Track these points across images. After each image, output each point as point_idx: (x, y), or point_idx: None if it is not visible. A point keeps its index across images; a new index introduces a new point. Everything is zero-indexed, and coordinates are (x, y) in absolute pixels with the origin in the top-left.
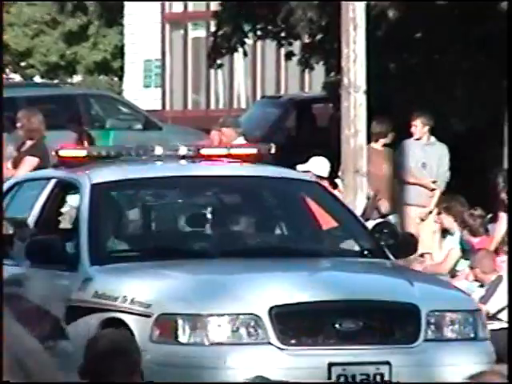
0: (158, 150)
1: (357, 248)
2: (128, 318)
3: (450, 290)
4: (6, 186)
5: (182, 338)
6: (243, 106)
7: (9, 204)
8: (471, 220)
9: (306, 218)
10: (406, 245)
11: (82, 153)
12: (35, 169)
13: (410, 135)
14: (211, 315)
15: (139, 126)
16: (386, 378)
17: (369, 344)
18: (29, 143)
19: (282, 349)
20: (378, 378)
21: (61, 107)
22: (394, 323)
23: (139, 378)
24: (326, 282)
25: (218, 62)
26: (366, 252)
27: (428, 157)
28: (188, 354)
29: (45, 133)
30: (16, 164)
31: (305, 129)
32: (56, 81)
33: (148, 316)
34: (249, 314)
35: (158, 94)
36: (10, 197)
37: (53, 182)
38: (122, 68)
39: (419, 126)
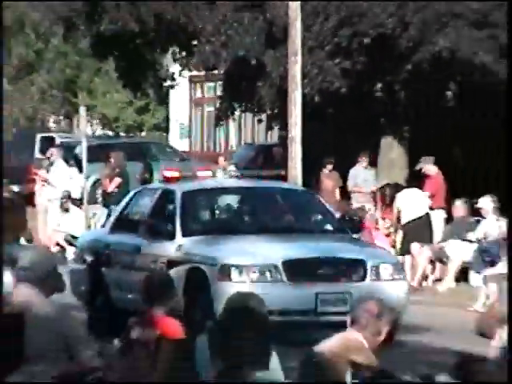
0: (219, 174)
1: (331, 228)
2: (203, 267)
3: (382, 250)
4: (132, 192)
5: (234, 278)
6: (234, 148)
7: (134, 203)
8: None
9: (302, 211)
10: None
11: (176, 174)
12: (119, 185)
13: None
14: (249, 265)
15: (177, 159)
16: (349, 300)
17: (339, 282)
18: (117, 169)
19: (289, 284)
20: (345, 300)
21: (135, 149)
22: (352, 270)
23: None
24: (314, 247)
25: (220, 123)
26: (336, 230)
27: (367, 176)
28: (237, 288)
29: (126, 163)
30: (110, 181)
31: (267, 161)
32: (131, 134)
33: (215, 265)
34: (271, 264)
35: (187, 142)
36: (135, 198)
37: (160, 190)
38: (167, 127)
39: (365, 160)
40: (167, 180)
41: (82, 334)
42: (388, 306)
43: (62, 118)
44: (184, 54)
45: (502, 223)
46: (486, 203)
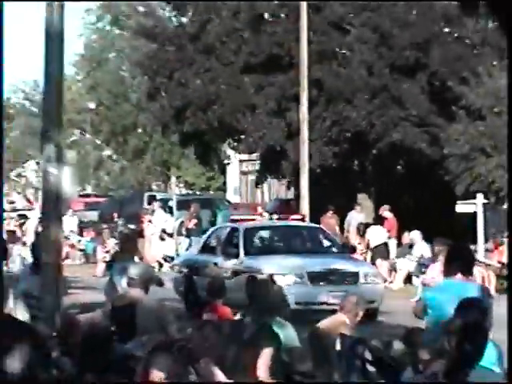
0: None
1: (336, 250)
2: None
3: (369, 264)
4: (212, 228)
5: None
6: (266, 201)
7: (213, 235)
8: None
9: (316, 240)
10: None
11: (240, 217)
12: (196, 224)
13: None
14: (287, 273)
15: (231, 208)
16: None
17: (342, 284)
18: (194, 214)
19: (311, 286)
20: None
21: (205, 202)
22: (349, 278)
23: None
24: (326, 262)
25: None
26: (339, 252)
27: (359, 218)
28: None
29: (200, 211)
30: (190, 221)
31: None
32: (203, 193)
33: (263, 274)
34: (299, 273)
35: (238, 197)
36: (214, 232)
37: (230, 227)
38: (225, 189)
39: (358, 208)
40: (235, 221)
41: (171, 317)
42: (371, 299)
43: (160, 183)
44: (235, 144)
45: (428, 247)
46: (416, 235)
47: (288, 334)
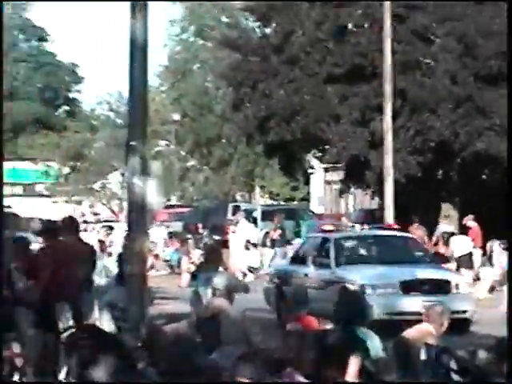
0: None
1: (428, 260)
2: (348, 286)
3: (459, 274)
4: (302, 240)
5: (368, 292)
6: (351, 211)
7: (303, 246)
8: None
9: (408, 249)
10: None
11: (330, 228)
12: (280, 235)
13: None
14: (377, 284)
15: (315, 219)
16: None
17: (435, 294)
18: (278, 225)
19: (404, 296)
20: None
21: (289, 212)
22: (441, 288)
23: None
24: (418, 272)
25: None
26: (431, 261)
27: (448, 229)
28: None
29: (283, 221)
30: (274, 232)
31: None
32: (284, 203)
33: (355, 284)
34: (391, 283)
35: (322, 208)
36: (304, 243)
37: (320, 238)
38: (309, 199)
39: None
40: (324, 231)
41: (256, 328)
42: (463, 308)
43: (244, 193)
44: (320, 154)
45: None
46: (495, 245)
47: (373, 343)
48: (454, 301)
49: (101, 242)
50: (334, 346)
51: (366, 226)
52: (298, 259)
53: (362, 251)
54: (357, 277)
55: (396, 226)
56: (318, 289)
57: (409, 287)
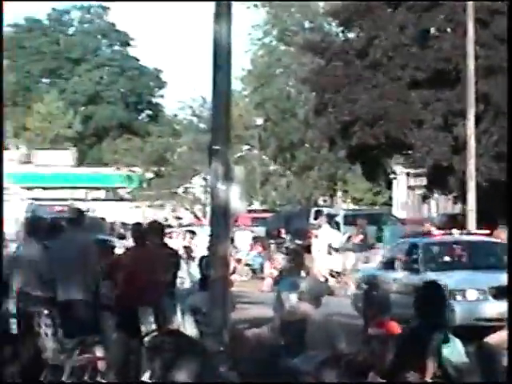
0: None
1: None
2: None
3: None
4: (394, 244)
5: (457, 298)
6: (434, 216)
7: (394, 250)
8: None
9: (499, 255)
10: None
11: (428, 230)
12: (362, 239)
13: None
14: (467, 289)
15: (397, 224)
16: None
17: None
18: (360, 230)
19: (493, 301)
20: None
21: (371, 217)
22: None
23: None
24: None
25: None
26: None
27: None
28: (460, 304)
29: (366, 226)
30: (357, 236)
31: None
32: (366, 207)
33: (445, 290)
34: (482, 289)
35: (405, 213)
36: (395, 247)
37: (409, 242)
38: (391, 204)
39: None
40: (424, 235)
41: (340, 332)
42: None
43: (327, 198)
44: (402, 159)
45: None
46: None
47: (455, 349)
48: None
49: (186, 247)
50: (416, 350)
51: (454, 231)
52: (388, 264)
53: (452, 256)
54: (446, 281)
55: (485, 232)
56: (406, 294)
57: (499, 293)
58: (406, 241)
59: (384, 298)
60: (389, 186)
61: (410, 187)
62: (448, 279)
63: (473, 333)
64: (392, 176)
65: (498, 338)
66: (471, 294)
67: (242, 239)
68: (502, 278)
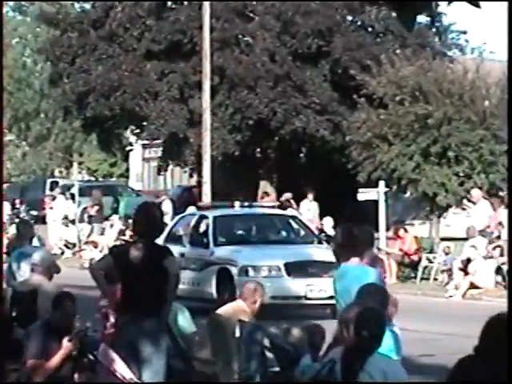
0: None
1: (314, 240)
2: (229, 267)
3: None
4: (177, 217)
5: (251, 275)
6: (169, 188)
7: (179, 223)
8: None
9: (292, 229)
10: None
11: (207, 204)
12: (97, 211)
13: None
14: (260, 265)
15: (134, 195)
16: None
17: (321, 277)
18: (96, 201)
19: (288, 279)
20: (325, 290)
21: (107, 189)
22: (329, 271)
23: None
24: (304, 253)
25: (161, 173)
26: (317, 242)
27: (312, 206)
28: (251, 277)
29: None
30: (92, 208)
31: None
32: (102, 179)
33: (237, 266)
34: (275, 265)
35: (141, 184)
36: (180, 220)
37: (198, 215)
38: (128, 175)
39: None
40: (200, 208)
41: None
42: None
43: (63, 169)
44: (138, 130)
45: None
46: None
47: (184, 318)
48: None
49: None
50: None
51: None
52: (173, 238)
53: (244, 230)
54: (238, 257)
55: (272, 204)
56: (196, 270)
57: (294, 269)
58: (194, 213)
59: None
60: (125, 157)
61: (145, 159)
62: (239, 255)
63: (269, 312)
64: (128, 148)
65: (228, 309)
66: (265, 271)
67: None
68: (296, 254)
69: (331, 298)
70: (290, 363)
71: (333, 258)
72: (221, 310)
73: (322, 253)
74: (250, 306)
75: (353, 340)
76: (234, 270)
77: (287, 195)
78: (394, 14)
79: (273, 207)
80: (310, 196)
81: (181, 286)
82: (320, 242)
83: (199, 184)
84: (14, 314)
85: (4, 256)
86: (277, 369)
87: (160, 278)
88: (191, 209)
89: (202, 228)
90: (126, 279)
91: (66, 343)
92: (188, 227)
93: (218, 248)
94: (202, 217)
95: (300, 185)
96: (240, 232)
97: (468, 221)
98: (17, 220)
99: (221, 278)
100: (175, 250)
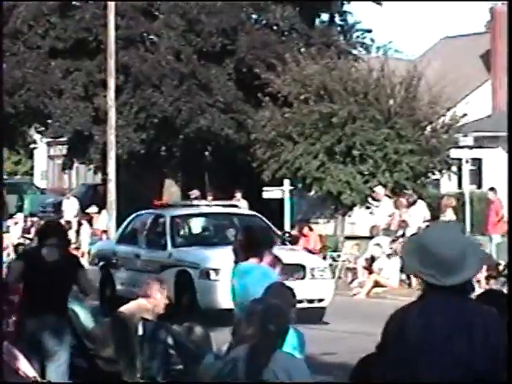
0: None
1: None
2: (188, 270)
3: (316, 258)
4: (132, 215)
5: (212, 278)
6: (74, 186)
7: (134, 223)
8: None
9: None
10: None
11: (164, 204)
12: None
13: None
14: (222, 268)
15: (39, 193)
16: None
17: (287, 280)
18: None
19: None
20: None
21: (12, 186)
22: (296, 273)
23: None
24: None
25: (66, 171)
26: (281, 243)
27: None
28: (214, 284)
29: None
30: None
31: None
32: (6, 177)
33: (197, 268)
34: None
35: (45, 182)
36: (135, 219)
37: (154, 214)
38: (33, 173)
39: (239, 195)
40: (156, 206)
41: None
42: (319, 297)
43: None
44: (42, 128)
45: None
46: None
47: (83, 315)
48: (309, 288)
49: None
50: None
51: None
52: (127, 238)
53: (203, 231)
54: (198, 259)
55: (232, 202)
56: (153, 272)
57: None
58: (149, 212)
59: None
60: (30, 155)
61: (50, 156)
62: (198, 257)
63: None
64: (33, 145)
65: (132, 307)
66: (227, 274)
67: None
68: None
69: None
70: (192, 361)
71: (296, 260)
72: (123, 308)
73: (285, 254)
74: (152, 304)
75: (257, 336)
76: (195, 273)
77: (195, 192)
78: (298, 13)
79: (233, 206)
80: (238, 195)
81: (137, 290)
82: (283, 243)
83: (104, 182)
84: None
85: None
86: (180, 367)
87: (65, 279)
88: (94, 208)
89: (159, 228)
90: (30, 278)
91: None
92: (143, 227)
93: (177, 249)
94: (159, 216)
95: (205, 183)
96: (199, 232)
97: (372, 219)
98: None
99: (180, 281)
100: (130, 250)
